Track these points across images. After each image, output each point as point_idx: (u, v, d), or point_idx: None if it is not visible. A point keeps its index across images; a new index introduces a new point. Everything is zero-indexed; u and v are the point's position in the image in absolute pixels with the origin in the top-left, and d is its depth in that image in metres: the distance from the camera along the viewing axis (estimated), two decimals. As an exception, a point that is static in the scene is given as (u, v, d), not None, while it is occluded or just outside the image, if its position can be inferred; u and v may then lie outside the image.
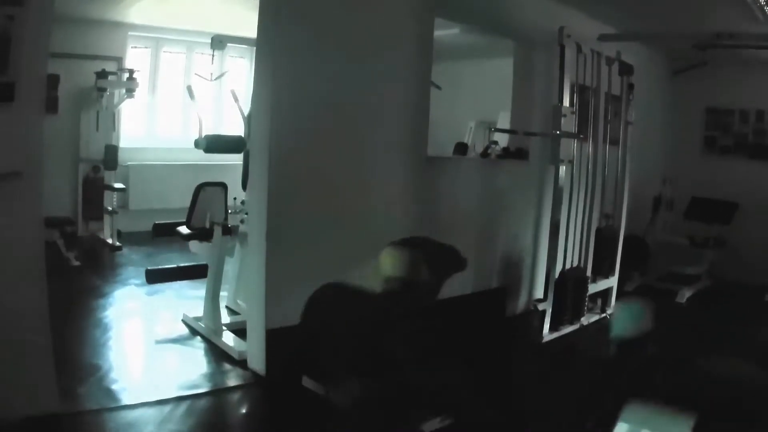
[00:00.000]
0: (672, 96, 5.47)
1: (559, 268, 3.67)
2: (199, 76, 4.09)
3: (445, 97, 4.55)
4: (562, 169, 3.51)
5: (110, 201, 5.12)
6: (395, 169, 3.23)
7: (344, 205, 3.09)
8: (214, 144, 3.21)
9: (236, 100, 3.38)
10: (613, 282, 4.23)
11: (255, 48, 3.05)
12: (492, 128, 3.77)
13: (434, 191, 3.40)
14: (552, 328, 3.68)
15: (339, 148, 3.03)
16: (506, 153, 3.91)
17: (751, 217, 5.02)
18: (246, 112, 3.44)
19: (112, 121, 5.23)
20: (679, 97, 5.43)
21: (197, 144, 3.21)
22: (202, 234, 3.37)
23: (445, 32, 4.38)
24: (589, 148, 3.81)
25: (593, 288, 4.00)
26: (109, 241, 5.12)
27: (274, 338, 2.96)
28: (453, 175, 3.55)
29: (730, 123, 5.38)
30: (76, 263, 4.57)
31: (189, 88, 3.52)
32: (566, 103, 3.54)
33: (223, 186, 3.36)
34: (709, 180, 5.17)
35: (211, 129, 3.73)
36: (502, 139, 4.07)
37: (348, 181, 3.09)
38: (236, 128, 3.82)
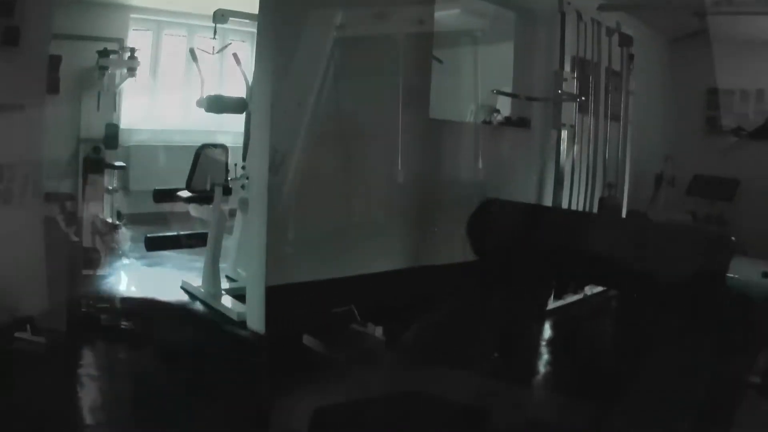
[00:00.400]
0: (672, 76, 5.48)
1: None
2: (201, 50, 4.10)
3: (446, 81, 4.55)
4: (564, 133, 3.51)
5: (110, 181, 5.11)
6: (397, 127, 3.22)
7: (346, 165, 3.09)
8: (216, 104, 3.21)
9: (238, 62, 3.38)
10: (616, 254, 4.19)
11: (257, 24, 3.09)
12: (494, 90, 3.77)
13: (436, 152, 3.40)
14: (556, 296, 3.64)
15: (341, 108, 3.03)
16: (508, 121, 3.91)
17: (753, 197, 4.99)
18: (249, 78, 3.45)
19: (113, 101, 5.23)
20: (680, 76, 5.45)
21: (199, 104, 3.21)
22: (203, 197, 3.35)
23: (446, 12, 4.40)
24: (590, 115, 3.82)
25: (596, 258, 3.97)
26: (109, 220, 5.10)
27: (275, 296, 2.93)
28: (456, 138, 3.56)
29: (731, 103, 5.39)
30: (76, 239, 4.54)
31: (192, 51, 3.54)
32: (567, 69, 3.56)
33: (224, 148, 3.35)
34: (711, 159, 5.16)
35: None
36: (504, 109, 4.07)
37: (349, 139, 3.10)
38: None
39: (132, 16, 5.47)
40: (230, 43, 4.15)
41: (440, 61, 4.15)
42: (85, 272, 4.51)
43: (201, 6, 5.27)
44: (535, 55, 3.83)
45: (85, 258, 4.54)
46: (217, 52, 4.10)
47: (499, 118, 3.89)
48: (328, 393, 2.29)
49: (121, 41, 5.37)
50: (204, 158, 3.28)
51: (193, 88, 4.03)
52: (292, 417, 2.10)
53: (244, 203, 3.39)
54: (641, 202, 4.85)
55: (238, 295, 3.30)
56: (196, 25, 5.70)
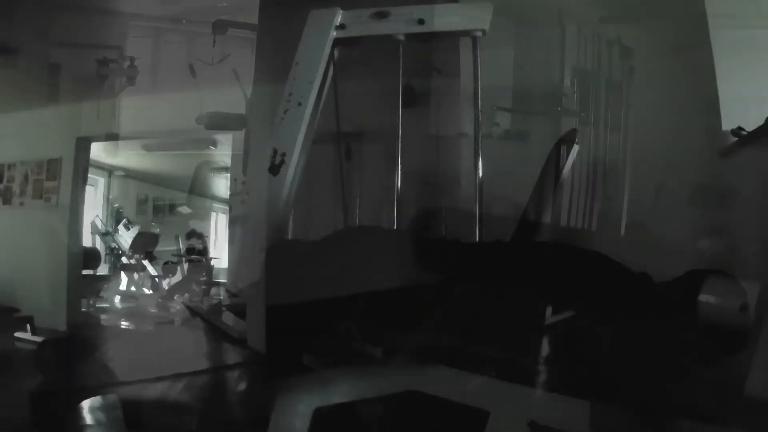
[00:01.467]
0: (674, 85, 5.46)
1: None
2: (200, 60, 4.10)
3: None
4: (563, 149, 3.50)
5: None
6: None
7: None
8: (216, 120, 3.21)
9: (238, 78, 3.38)
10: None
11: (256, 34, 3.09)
12: (495, 107, 3.78)
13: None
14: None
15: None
16: (507, 135, 3.92)
17: (753, 207, 4.97)
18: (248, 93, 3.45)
19: (112, 110, 5.23)
20: (682, 85, 5.42)
21: (199, 120, 3.21)
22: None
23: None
24: (591, 130, 3.82)
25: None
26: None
27: (275, 315, 2.94)
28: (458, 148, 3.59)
29: (732, 111, 5.35)
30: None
31: (191, 66, 3.54)
32: (567, 84, 3.56)
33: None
34: (711, 168, 5.14)
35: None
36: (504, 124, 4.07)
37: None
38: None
39: (131, 23, 5.48)
40: (230, 55, 4.16)
41: (439, 71, 4.16)
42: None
43: (200, 14, 5.28)
44: (534, 69, 3.83)
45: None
46: (217, 63, 4.11)
47: (499, 131, 3.89)
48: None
49: (120, 49, 5.37)
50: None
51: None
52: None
53: (245, 220, 3.40)
54: (641, 214, 4.84)
55: (239, 311, 3.31)
56: (195, 32, 5.72)
